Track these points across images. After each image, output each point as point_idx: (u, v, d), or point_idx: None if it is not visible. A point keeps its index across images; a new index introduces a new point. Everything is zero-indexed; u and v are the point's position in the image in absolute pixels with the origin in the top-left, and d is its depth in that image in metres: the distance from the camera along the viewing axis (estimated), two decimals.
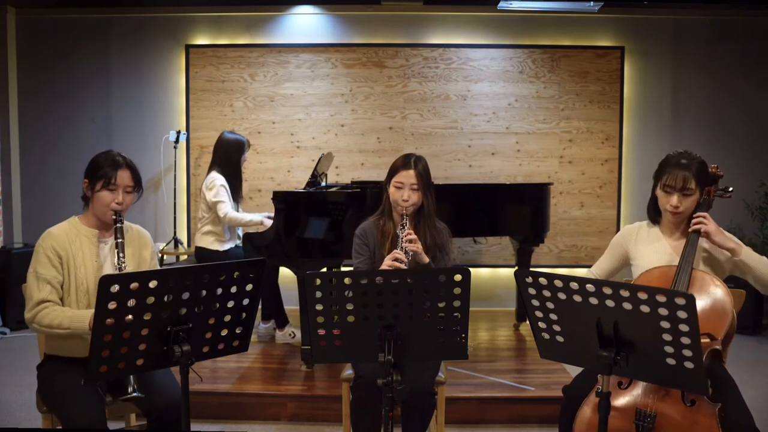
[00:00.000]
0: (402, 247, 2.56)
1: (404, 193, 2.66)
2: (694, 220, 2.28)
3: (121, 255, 2.32)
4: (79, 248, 2.38)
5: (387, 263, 2.52)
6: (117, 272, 2.28)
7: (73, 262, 2.35)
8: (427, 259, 2.64)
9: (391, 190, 2.71)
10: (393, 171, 2.72)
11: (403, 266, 2.50)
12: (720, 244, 2.24)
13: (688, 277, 2.18)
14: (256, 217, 4.23)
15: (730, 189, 2.39)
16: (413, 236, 2.60)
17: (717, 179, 2.38)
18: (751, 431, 2.07)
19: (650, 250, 2.41)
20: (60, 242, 2.36)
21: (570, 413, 2.20)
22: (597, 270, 2.58)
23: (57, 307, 2.30)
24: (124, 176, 2.38)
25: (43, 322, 2.26)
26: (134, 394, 2.22)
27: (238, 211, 4.37)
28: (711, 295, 2.16)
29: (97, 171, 2.37)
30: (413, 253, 2.58)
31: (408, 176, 2.67)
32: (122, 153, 2.44)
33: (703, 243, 2.32)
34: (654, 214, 2.45)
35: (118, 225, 2.36)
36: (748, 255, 2.24)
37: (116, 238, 2.34)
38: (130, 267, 2.38)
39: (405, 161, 2.71)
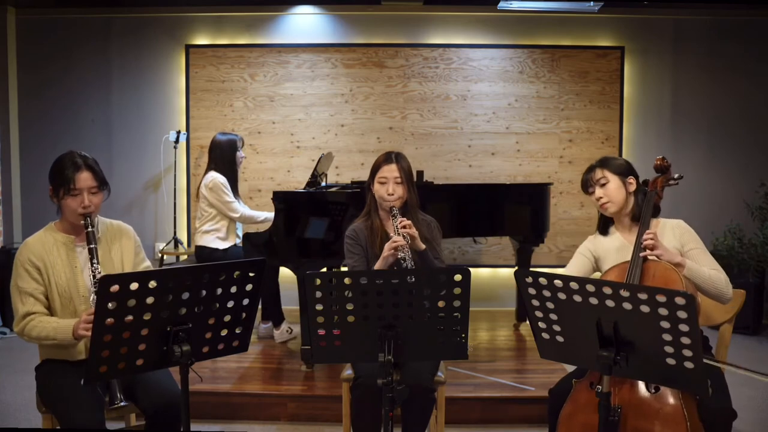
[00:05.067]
0: (398, 232, 2.60)
1: (389, 187, 2.71)
2: (644, 240, 2.27)
3: (94, 261, 2.28)
4: (57, 256, 2.35)
5: (388, 250, 2.57)
6: (92, 279, 2.26)
7: (53, 271, 2.33)
8: (423, 246, 2.67)
9: (376, 186, 2.76)
10: (375, 168, 2.78)
11: (403, 245, 2.55)
12: (668, 261, 2.26)
13: (640, 270, 2.23)
14: (270, 215, 4.20)
15: (676, 176, 2.45)
16: (407, 221, 2.64)
17: (665, 169, 2.44)
18: (727, 412, 2.09)
19: (613, 250, 2.50)
20: (36, 253, 2.33)
21: (556, 412, 2.25)
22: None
23: (43, 317, 2.28)
24: (84, 178, 2.30)
25: (32, 335, 2.26)
26: (121, 404, 2.21)
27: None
28: (663, 281, 2.19)
29: (58, 177, 2.30)
30: (411, 239, 2.61)
31: (391, 170, 2.72)
32: (83, 152, 2.36)
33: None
34: (603, 225, 2.60)
35: (89, 230, 2.31)
36: (690, 271, 2.26)
37: (88, 243, 2.30)
38: (108, 268, 2.35)
39: (386, 157, 2.78)
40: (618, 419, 2.04)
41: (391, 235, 2.65)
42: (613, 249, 2.50)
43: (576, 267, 2.58)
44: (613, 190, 2.46)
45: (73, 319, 2.27)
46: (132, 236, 2.53)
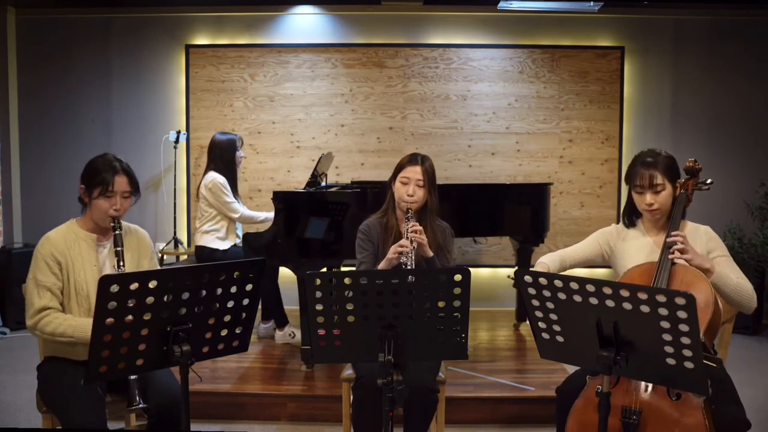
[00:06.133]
0: (407, 236, 2.58)
1: (410, 188, 2.69)
2: (674, 245, 2.22)
3: (122, 264, 2.32)
4: (78, 253, 2.37)
5: (391, 252, 2.56)
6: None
7: (72, 268, 2.34)
8: (431, 253, 2.66)
9: (397, 185, 2.73)
10: (399, 167, 2.76)
11: (407, 249, 2.53)
12: (697, 266, 2.23)
13: (668, 273, 2.19)
14: (270, 215, 4.20)
15: (709, 181, 2.39)
16: (419, 227, 2.63)
17: (695, 172, 2.39)
18: (741, 423, 2.08)
19: (635, 248, 2.43)
20: (58, 248, 2.34)
21: (565, 413, 2.22)
22: (567, 257, 2.53)
23: (59, 314, 2.29)
24: (121, 182, 2.36)
25: (46, 330, 2.26)
26: (140, 406, 2.22)
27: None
28: (691, 288, 2.15)
29: (94, 177, 2.34)
30: (417, 245, 2.59)
31: (414, 172, 2.70)
32: (118, 156, 2.41)
33: None
34: (631, 217, 2.48)
35: (117, 232, 2.35)
36: (718, 278, 2.22)
37: (116, 246, 2.34)
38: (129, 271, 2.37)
39: (412, 158, 2.76)
40: (638, 423, 2.03)
41: (405, 233, 2.65)
42: (635, 247, 2.43)
43: (583, 249, 2.52)
44: (666, 199, 2.33)
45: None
46: (149, 242, 2.57)
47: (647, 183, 2.33)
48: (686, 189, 2.37)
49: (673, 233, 2.23)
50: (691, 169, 2.39)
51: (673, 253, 2.19)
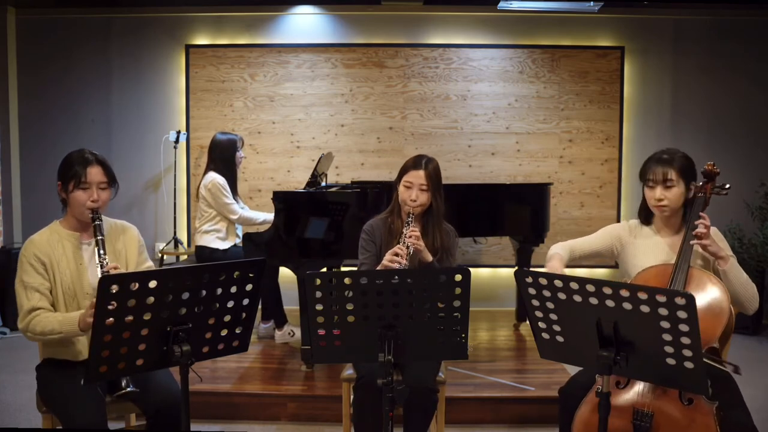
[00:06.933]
0: (404, 242, 2.57)
1: (413, 192, 2.67)
2: (699, 227, 2.25)
3: (102, 252, 2.29)
4: (62, 253, 2.36)
5: (387, 258, 2.55)
6: (100, 270, 2.25)
7: (57, 268, 2.33)
8: (430, 258, 2.65)
9: (401, 189, 2.72)
10: (404, 170, 2.74)
11: (402, 260, 2.50)
12: (712, 253, 2.24)
13: (685, 276, 2.19)
14: (269, 216, 4.20)
15: (727, 186, 2.38)
16: (417, 233, 2.61)
17: (713, 176, 2.38)
18: (749, 430, 2.08)
19: (646, 248, 2.43)
20: (42, 249, 2.34)
21: (568, 414, 2.21)
22: (577, 248, 2.53)
23: (48, 313, 2.28)
24: (95, 173, 2.35)
25: (36, 330, 2.25)
26: (128, 389, 2.21)
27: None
28: (707, 293, 2.17)
29: (68, 171, 2.35)
30: (415, 250, 2.58)
31: (418, 176, 2.69)
32: (93, 150, 2.41)
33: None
34: (646, 214, 2.48)
35: (97, 223, 2.33)
36: (731, 268, 2.23)
37: (95, 235, 2.32)
38: (114, 263, 2.34)
39: (416, 162, 2.73)
40: (649, 426, 2.02)
41: (403, 238, 2.63)
42: (646, 247, 2.43)
43: (594, 242, 2.52)
44: (676, 196, 2.33)
45: (79, 311, 2.26)
46: (135, 235, 2.55)
47: (660, 178, 2.33)
48: (704, 193, 2.36)
49: (698, 221, 2.24)
50: (709, 173, 2.37)
51: (696, 236, 2.20)
